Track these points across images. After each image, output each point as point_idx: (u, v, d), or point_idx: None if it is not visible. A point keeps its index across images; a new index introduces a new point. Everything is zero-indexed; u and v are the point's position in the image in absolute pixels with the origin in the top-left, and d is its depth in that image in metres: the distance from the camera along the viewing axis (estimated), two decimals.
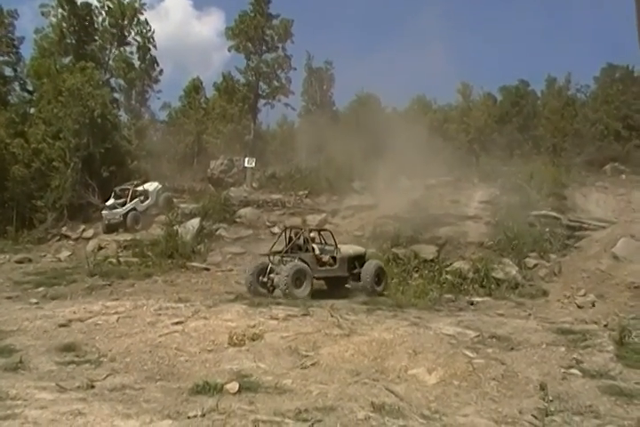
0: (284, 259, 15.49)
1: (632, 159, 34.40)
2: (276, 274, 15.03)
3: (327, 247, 16.53)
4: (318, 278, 15.84)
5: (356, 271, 16.37)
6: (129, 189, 25.40)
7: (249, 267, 16.29)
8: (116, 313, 10.85)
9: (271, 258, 15.76)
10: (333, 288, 16.56)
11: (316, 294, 15.06)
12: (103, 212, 24.48)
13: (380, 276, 16.45)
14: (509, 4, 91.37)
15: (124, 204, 24.79)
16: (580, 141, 40.62)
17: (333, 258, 16.21)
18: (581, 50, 73.74)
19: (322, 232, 17.27)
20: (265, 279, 15.34)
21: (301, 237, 16.28)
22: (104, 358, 8.19)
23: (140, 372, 7.68)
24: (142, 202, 25.40)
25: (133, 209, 24.80)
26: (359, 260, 16.69)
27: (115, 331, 9.59)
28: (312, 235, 16.60)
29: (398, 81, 63.38)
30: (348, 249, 16.94)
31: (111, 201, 24.85)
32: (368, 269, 16.15)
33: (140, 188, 25.91)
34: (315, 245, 16.22)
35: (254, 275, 15.43)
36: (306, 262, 15.32)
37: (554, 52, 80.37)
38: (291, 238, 16.30)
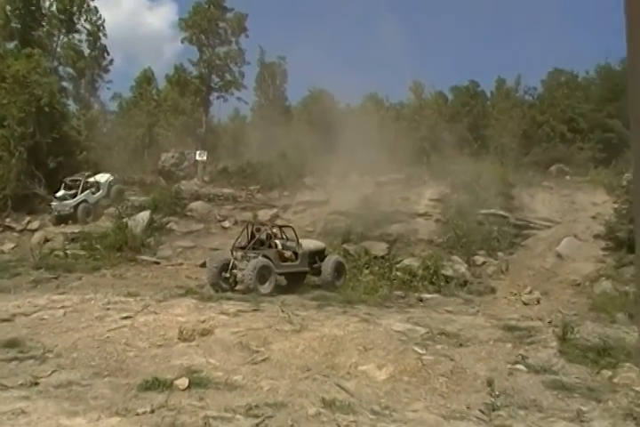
0: (248, 255, 15.52)
1: (576, 161, 35.43)
2: (240, 270, 15.06)
3: (289, 243, 16.72)
4: (280, 274, 15.91)
5: (316, 266, 16.66)
6: (80, 181, 24.84)
7: (211, 261, 16.25)
8: (63, 307, 10.66)
9: (234, 253, 15.80)
10: (293, 283, 16.67)
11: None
12: (52, 203, 23.90)
13: (339, 270, 16.78)
14: (462, 5, 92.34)
15: (74, 195, 24.24)
16: (528, 142, 41.57)
17: (295, 253, 16.42)
18: (530, 53, 74.93)
19: (284, 228, 17.49)
20: (227, 274, 15.36)
21: (264, 233, 16.44)
22: (49, 354, 8.02)
23: (87, 368, 7.53)
24: (93, 194, 24.93)
25: (84, 201, 24.29)
26: (319, 255, 17.00)
27: (61, 326, 9.41)
28: (275, 231, 16.89)
29: (351, 78, 63.53)
30: (309, 244, 17.15)
31: (61, 192, 24.20)
32: (328, 264, 16.50)
33: (92, 179, 25.37)
34: (277, 241, 16.48)
35: (217, 270, 15.42)
36: (269, 258, 15.44)
37: (504, 54, 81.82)
38: (253, 234, 16.43)
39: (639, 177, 1.04)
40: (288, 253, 16.38)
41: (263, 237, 16.37)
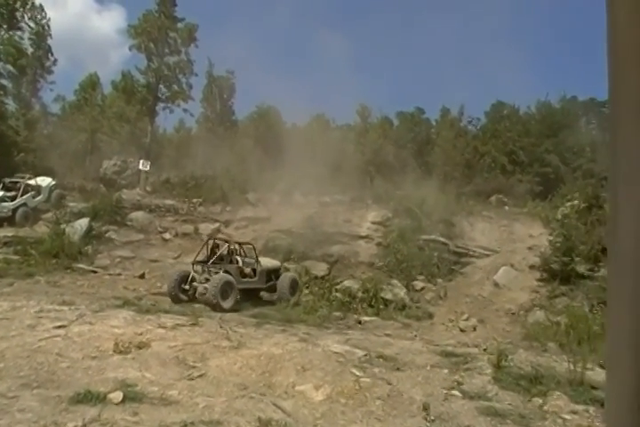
0: (209, 269, 16.06)
1: (515, 192, 36.41)
2: (200, 282, 15.52)
3: (247, 260, 17.35)
4: (239, 289, 16.20)
5: (271, 283, 17.42)
6: (20, 183, 24.19)
7: (171, 273, 16.83)
8: None
9: (194, 267, 16.29)
10: (247, 298, 16.87)
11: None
12: None
13: (294, 287, 17.55)
14: (412, 33, 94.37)
15: (14, 198, 23.54)
16: (469, 172, 42.49)
17: (254, 270, 17.12)
18: (475, 84, 77.17)
19: (244, 245, 18.12)
20: (187, 287, 15.81)
21: (226, 249, 16.94)
22: None
23: (14, 378, 7.17)
24: (34, 198, 24.32)
25: (24, 204, 23.66)
26: (275, 273, 17.80)
27: None
28: (236, 247, 17.52)
29: (299, 97, 64.04)
30: (267, 263, 17.96)
31: (0, 193, 23.51)
32: (284, 281, 17.34)
33: (32, 182, 24.72)
34: (238, 258, 17.07)
35: (177, 281, 15.90)
36: (230, 274, 15.91)
37: (449, 83, 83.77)
38: (213, 249, 16.91)
39: (614, 181, 1.07)
40: (247, 270, 16.98)
41: (225, 252, 16.84)
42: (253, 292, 17.39)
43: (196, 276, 15.99)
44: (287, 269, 19.34)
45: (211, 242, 17.31)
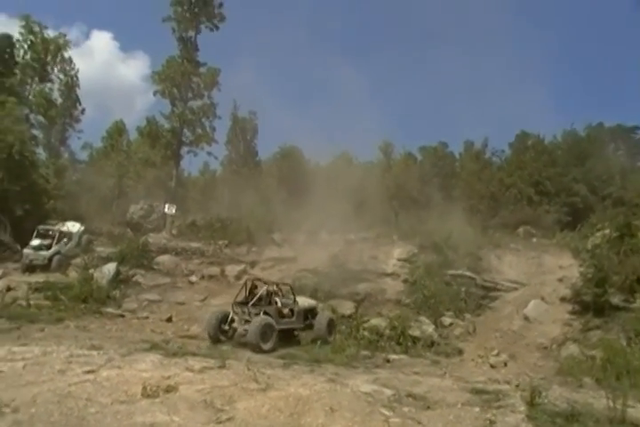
0: (249, 310, 16.18)
1: (542, 223, 36.01)
2: (240, 324, 15.93)
3: (285, 300, 17.48)
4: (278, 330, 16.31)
5: (308, 322, 17.53)
6: (52, 230, 24.86)
7: (210, 314, 16.87)
8: (23, 359, 10.28)
9: (234, 308, 16.44)
10: (283, 338, 16.76)
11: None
12: (25, 251, 23.74)
13: (331, 326, 17.63)
14: (430, 68, 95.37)
15: (49, 245, 24.14)
16: (495, 204, 42.16)
17: (292, 310, 17.25)
18: (498, 116, 77.27)
19: (281, 286, 18.27)
20: (227, 327, 16.11)
21: (265, 290, 17.01)
22: (6, 409, 7.65)
23: (46, 424, 7.17)
24: (66, 244, 24.92)
25: (59, 252, 24.25)
26: (312, 312, 17.86)
27: (20, 379, 9.07)
28: (275, 288, 17.53)
29: (321, 136, 64.58)
30: (304, 302, 18.00)
31: (37, 241, 24.11)
32: (321, 320, 17.45)
33: (65, 228, 25.37)
34: (277, 299, 17.17)
35: (216, 322, 16.15)
36: (270, 315, 16.11)
37: (472, 116, 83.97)
38: (252, 290, 17.14)
39: None
40: (286, 310, 17.15)
41: (264, 293, 16.93)
42: (291, 332, 17.46)
43: (236, 317, 16.23)
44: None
45: (249, 283, 17.45)
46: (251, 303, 16.39)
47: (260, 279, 18.46)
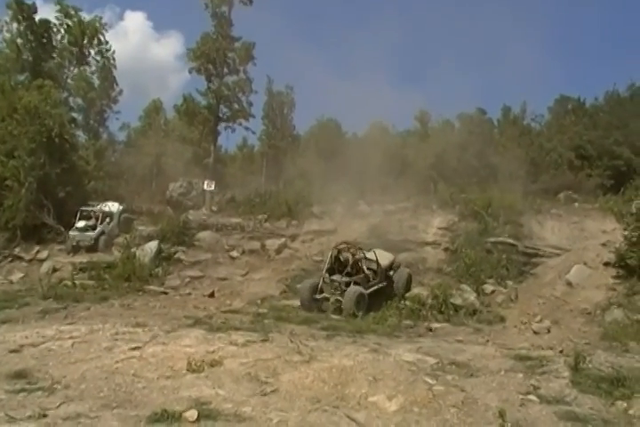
0: (343, 279, 16.79)
1: (584, 188, 35.36)
2: (331, 294, 16.60)
3: (368, 263, 17.67)
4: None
5: (389, 279, 18.11)
6: (96, 211, 25.49)
7: (302, 284, 17.68)
8: (71, 338, 10.60)
9: (324, 278, 17.00)
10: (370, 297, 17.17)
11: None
12: (71, 233, 24.19)
13: (409, 282, 18.29)
14: (467, 33, 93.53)
15: (94, 226, 24.70)
16: (535, 170, 41.42)
17: (374, 272, 17.63)
18: (536, 80, 75.63)
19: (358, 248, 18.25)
20: (318, 297, 16.83)
21: (351, 259, 17.48)
22: (58, 386, 7.95)
23: (95, 399, 7.44)
24: (108, 224, 25.47)
25: (103, 233, 24.85)
26: (391, 267, 18.37)
27: (69, 356, 9.36)
28: (360, 256, 17.63)
29: (358, 106, 64.06)
30: (384, 260, 18.23)
31: (82, 223, 24.61)
32: (401, 277, 18.15)
33: (106, 208, 25.89)
34: (364, 267, 17.44)
35: (309, 293, 16.86)
36: (359, 284, 16.70)
37: (509, 81, 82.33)
38: (337, 258, 17.56)
39: None
40: (371, 274, 17.59)
41: (350, 261, 17.42)
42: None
43: (324, 286, 16.89)
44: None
45: (334, 251, 17.70)
46: (342, 272, 17.11)
47: (348, 244, 18.34)
